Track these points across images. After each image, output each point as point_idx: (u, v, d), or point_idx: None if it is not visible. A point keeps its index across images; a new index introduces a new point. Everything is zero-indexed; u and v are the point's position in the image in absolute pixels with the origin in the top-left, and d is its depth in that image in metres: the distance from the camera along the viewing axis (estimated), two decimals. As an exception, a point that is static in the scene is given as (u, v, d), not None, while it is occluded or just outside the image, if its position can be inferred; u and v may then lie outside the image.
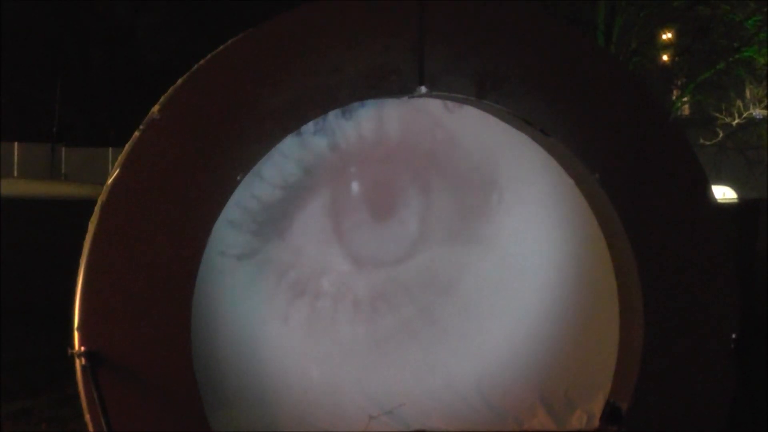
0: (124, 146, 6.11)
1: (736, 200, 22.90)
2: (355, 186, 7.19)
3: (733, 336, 6.55)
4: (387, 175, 7.18)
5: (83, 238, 6.03)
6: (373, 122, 6.96)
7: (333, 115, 6.79)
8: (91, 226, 5.96)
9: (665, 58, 29.64)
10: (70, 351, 5.86)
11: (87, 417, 5.86)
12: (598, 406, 6.84)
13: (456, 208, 7.28)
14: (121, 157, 6.05)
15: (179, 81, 6.11)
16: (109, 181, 5.98)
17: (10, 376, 9.58)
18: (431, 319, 7.33)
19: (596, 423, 6.80)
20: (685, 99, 28.55)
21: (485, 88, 6.41)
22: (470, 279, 7.35)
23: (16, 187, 15.20)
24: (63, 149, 27.39)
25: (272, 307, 7.03)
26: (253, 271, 6.97)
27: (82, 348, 5.77)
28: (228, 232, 6.78)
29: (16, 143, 27.04)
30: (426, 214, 7.24)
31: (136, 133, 6.00)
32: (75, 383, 6.03)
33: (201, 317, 6.49)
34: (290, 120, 6.19)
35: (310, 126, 6.71)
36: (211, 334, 6.70)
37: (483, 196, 7.30)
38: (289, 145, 6.76)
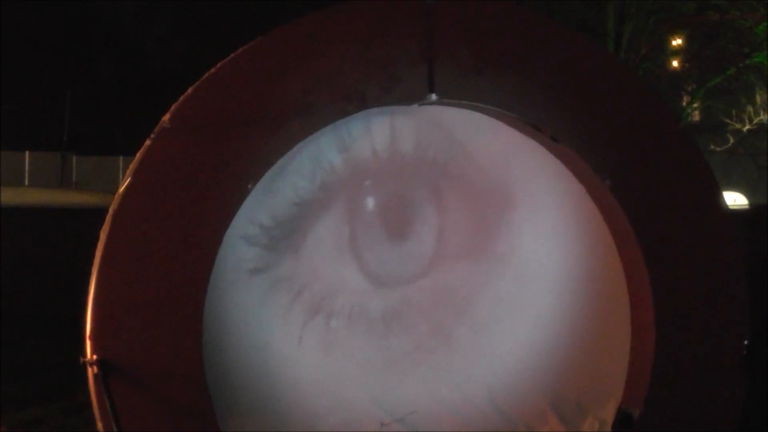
0: (134, 154, 6.12)
1: (747, 206, 22.87)
2: (369, 202, 7.17)
3: (745, 342, 6.54)
4: (401, 190, 7.16)
5: (94, 247, 6.04)
6: (387, 136, 6.96)
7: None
8: (103, 235, 5.97)
9: (675, 63, 29.68)
10: (81, 359, 5.87)
11: (99, 425, 5.87)
12: (609, 413, 6.82)
13: (471, 224, 7.26)
14: (132, 166, 6.06)
15: (190, 89, 6.12)
16: (120, 189, 5.99)
17: (21, 384, 9.60)
18: (446, 337, 7.32)
19: (608, 429, 6.79)
20: (695, 105, 28.60)
21: (494, 95, 6.41)
22: (485, 296, 7.33)
23: (27, 195, 15.25)
24: (73, 158, 27.49)
25: (286, 323, 7.03)
26: (267, 287, 6.96)
27: (94, 356, 5.78)
28: (241, 247, 6.78)
29: (27, 152, 27.14)
30: (441, 230, 7.22)
31: (147, 142, 6.01)
32: (86, 391, 6.04)
33: (214, 328, 6.50)
34: (300, 128, 6.20)
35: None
36: (224, 346, 6.70)
37: (497, 209, 7.29)
38: (302, 160, 6.77)
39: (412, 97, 6.37)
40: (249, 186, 6.11)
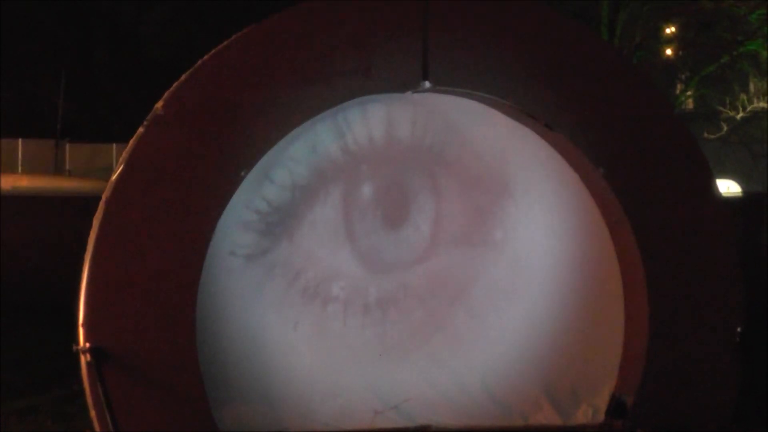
0: (128, 142, 6.12)
1: (740, 194, 22.87)
2: (365, 189, 7.17)
3: (738, 330, 6.55)
4: (398, 177, 7.16)
5: (87, 234, 6.03)
6: (383, 123, 6.96)
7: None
8: (96, 222, 5.96)
9: (669, 52, 29.61)
10: (75, 347, 5.87)
11: (92, 413, 5.87)
12: (603, 401, 6.84)
13: (466, 211, 7.26)
14: (125, 153, 6.06)
15: (183, 77, 6.12)
16: (114, 176, 5.99)
17: (16, 373, 9.58)
18: (441, 324, 7.32)
19: (602, 417, 6.80)
20: (689, 93, 28.55)
21: (489, 83, 6.41)
22: (481, 283, 7.33)
23: (20, 183, 15.22)
24: (67, 145, 27.40)
25: (281, 309, 7.03)
26: (263, 273, 6.96)
27: (87, 344, 5.78)
28: (238, 232, 6.79)
29: (20, 139, 27.04)
30: (437, 217, 7.23)
31: (140, 129, 6.01)
32: (80, 380, 6.04)
33: (209, 315, 6.50)
34: (293, 116, 6.20)
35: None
36: (219, 332, 6.70)
37: (493, 196, 7.29)
38: (298, 147, 6.78)
39: (406, 84, 6.38)
40: (242, 173, 6.10)
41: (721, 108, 28.13)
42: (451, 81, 6.40)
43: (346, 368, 7.06)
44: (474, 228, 7.32)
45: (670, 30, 29.35)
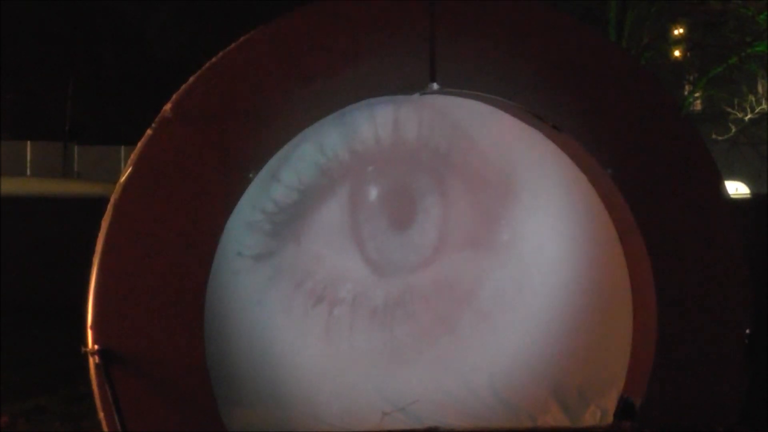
0: (136, 144, 6.13)
1: (749, 195, 22.83)
2: (372, 190, 7.17)
3: (747, 331, 6.54)
4: (404, 179, 7.16)
5: (96, 237, 6.04)
6: (390, 124, 6.96)
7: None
8: (104, 224, 5.97)
9: (677, 53, 29.55)
10: (83, 349, 5.88)
11: (101, 415, 5.88)
12: (611, 402, 6.83)
13: (473, 213, 7.26)
14: (133, 156, 6.07)
15: (191, 79, 6.13)
16: (122, 179, 6.00)
17: (23, 373, 9.60)
18: (448, 326, 7.32)
19: (610, 419, 6.79)
20: (697, 94, 28.47)
21: (497, 85, 6.41)
22: (488, 285, 7.32)
23: (29, 185, 15.25)
24: (75, 147, 27.50)
25: (288, 311, 7.03)
26: (271, 274, 6.97)
27: (96, 346, 5.79)
28: (245, 233, 6.79)
29: (28, 142, 27.13)
30: (444, 220, 7.22)
31: (149, 132, 6.02)
32: (88, 381, 6.05)
33: (217, 316, 6.50)
34: (301, 118, 6.21)
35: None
36: (227, 334, 6.70)
37: (500, 198, 7.28)
38: (306, 148, 6.78)
39: (413, 86, 6.38)
40: (250, 175, 6.11)
41: (729, 109, 28.09)
42: (458, 83, 6.40)
43: (353, 370, 7.06)
44: (481, 230, 7.31)
45: (677, 31, 29.31)
